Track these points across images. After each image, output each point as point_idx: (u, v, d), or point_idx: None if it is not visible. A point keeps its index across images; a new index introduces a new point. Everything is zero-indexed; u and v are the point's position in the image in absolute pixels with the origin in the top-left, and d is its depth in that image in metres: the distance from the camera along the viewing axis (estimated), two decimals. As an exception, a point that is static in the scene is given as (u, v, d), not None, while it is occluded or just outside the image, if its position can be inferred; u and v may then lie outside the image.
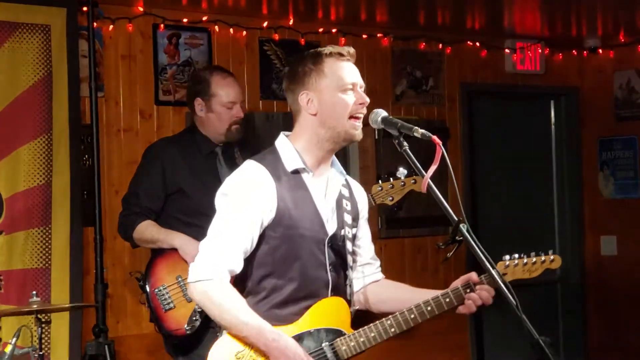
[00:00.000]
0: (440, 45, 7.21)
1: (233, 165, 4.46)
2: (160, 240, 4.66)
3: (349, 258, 3.36)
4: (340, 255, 3.32)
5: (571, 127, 8.05)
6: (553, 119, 8.13)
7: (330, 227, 3.29)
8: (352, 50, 3.31)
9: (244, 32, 6.30)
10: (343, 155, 6.40)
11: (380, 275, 3.53)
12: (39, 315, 4.35)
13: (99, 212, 5.55)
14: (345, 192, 3.38)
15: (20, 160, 5.39)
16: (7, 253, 5.31)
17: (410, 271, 6.93)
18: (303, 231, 3.23)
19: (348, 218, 3.35)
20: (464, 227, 3.02)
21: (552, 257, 3.53)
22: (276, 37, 6.44)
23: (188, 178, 4.72)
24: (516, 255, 3.45)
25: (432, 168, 3.01)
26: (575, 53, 7.92)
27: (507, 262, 3.39)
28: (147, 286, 4.64)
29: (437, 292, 3.27)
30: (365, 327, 3.24)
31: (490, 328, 7.43)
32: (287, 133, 3.33)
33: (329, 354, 3.22)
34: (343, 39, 6.64)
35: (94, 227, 5.48)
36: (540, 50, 7.61)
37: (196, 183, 4.67)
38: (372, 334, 3.21)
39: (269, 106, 6.46)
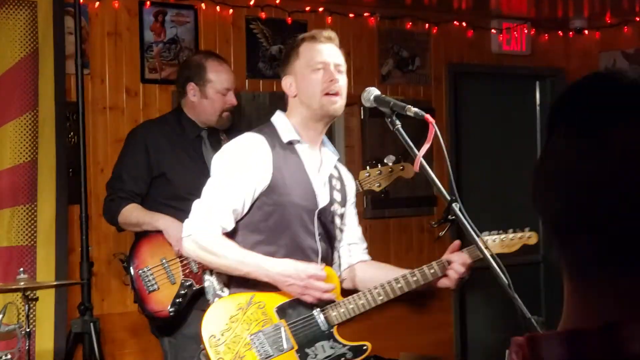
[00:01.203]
0: (427, 25, 7.23)
1: (218, 148, 4.49)
2: (145, 223, 4.66)
3: (337, 232, 3.50)
4: (328, 228, 3.45)
5: (556, 108, 8.09)
6: (538, 100, 8.17)
7: (322, 200, 3.44)
8: (328, 33, 3.48)
9: (231, 10, 6.31)
10: (329, 135, 6.42)
11: (367, 257, 3.66)
12: (26, 293, 4.37)
13: (85, 190, 5.54)
14: (336, 173, 3.54)
15: (6, 137, 5.39)
16: (-9, 231, 5.32)
17: (395, 251, 6.97)
18: (295, 199, 3.37)
19: (337, 196, 3.50)
20: (456, 206, 3.06)
21: (529, 233, 3.65)
22: (263, 15, 6.45)
23: (173, 161, 4.71)
24: (495, 232, 3.55)
25: (425, 147, 3.06)
26: (561, 34, 7.95)
27: (487, 238, 3.45)
28: (131, 268, 4.65)
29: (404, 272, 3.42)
30: (355, 295, 3.36)
31: (473, 309, 7.51)
32: (279, 113, 3.52)
33: (320, 319, 3.35)
34: (329, 18, 6.66)
35: (80, 205, 5.49)
36: (526, 31, 7.64)
37: (181, 167, 4.67)
38: (361, 302, 3.34)
39: (255, 85, 6.47)
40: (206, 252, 3.29)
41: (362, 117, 6.76)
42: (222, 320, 3.33)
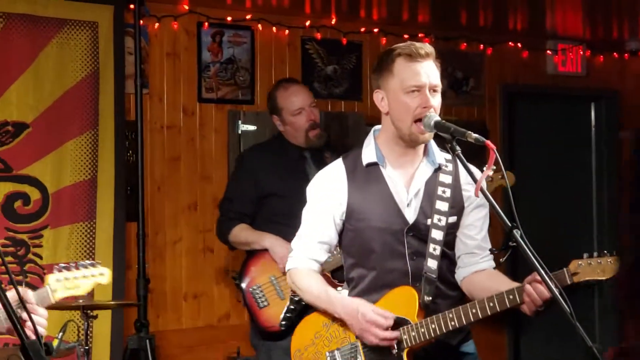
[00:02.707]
0: (482, 46, 7.22)
1: (322, 166, 4.57)
2: (253, 242, 4.86)
3: (431, 247, 3.32)
4: (424, 244, 3.32)
5: (611, 129, 8.03)
6: (593, 121, 8.09)
7: (411, 216, 3.32)
8: (425, 49, 3.28)
9: (287, 31, 6.36)
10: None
11: (484, 265, 3.41)
12: (86, 310, 4.46)
13: (142, 207, 5.63)
14: (446, 179, 3.36)
15: (67, 155, 5.47)
16: (52, 247, 5.40)
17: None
18: (376, 223, 3.32)
19: (443, 206, 3.33)
20: (517, 233, 3.01)
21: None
22: (318, 36, 6.49)
23: (279, 182, 4.85)
24: (595, 254, 3.18)
25: (486, 173, 3.00)
26: (617, 56, 7.90)
27: (581, 261, 3.17)
28: (242, 285, 4.82)
29: (512, 286, 3.17)
30: (429, 318, 3.24)
31: (527, 331, 7.47)
32: (377, 127, 3.42)
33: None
34: (384, 39, 6.68)
35: (137, 222, 5.57)
36: (581, 52, 7.61)
37: (287, 187, 4.80)
38: (433, 326, 3.22)
39: (311, 105, 6.51)
40: (297, 288, 3.48)
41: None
42: (308, 335, 3.44)
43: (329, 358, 3.36)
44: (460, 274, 3.42)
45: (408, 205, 3.32)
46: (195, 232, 5.99)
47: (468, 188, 3.36)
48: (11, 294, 2.23)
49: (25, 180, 5.36)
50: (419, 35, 6.82)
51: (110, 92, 5.60)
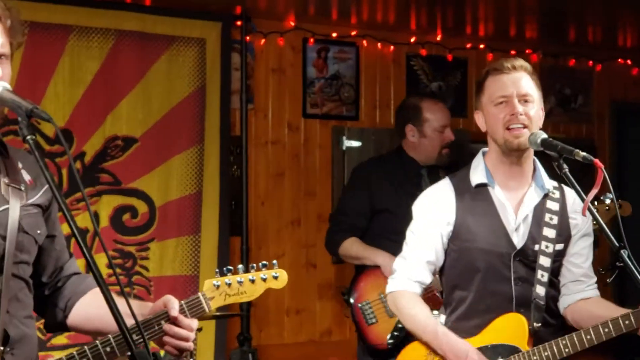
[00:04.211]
0: (591, 62, 7.11)
1: None
2: (364, 258, 4.81)
3: (539, 274, 3.29)
4: (530, 270, 3.29)
5: None
6: None
7: (519, 241, 3.29)
8: (513, 62, 3.30)
9: (392, 47, 6.36)
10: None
11: (590, 294, 3.38)
12: (191, 323, 4.50)
13: (246, 222, 5.71)
14: (554, 206, 3.34)
15: (174, 169, 5.55)
16: (158, 260, 5.49)
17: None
18: (482, 244, 3.29)
19: (550, 232, 3.31)
20: (624, 253, 2.96)
21: None
22: (423, 52, 6.48)
23: (394, 198, 4.80)
24: None
25: (593, 192, 2.94)
26: None
27: None
28: (351, 300, 4.79)
29: (622, 312, 3.13)
30: (541, 345, 3.20)
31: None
32: (485, 149, 3.41)
33: None
34: (490, 54, 6.63)
35: (241, 237, 5.65)
36: (694, 69, 7.45)
37: (402, 203, 4.72)
38: (546, 353, 3.17)
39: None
40: (400, 313, 3.42)
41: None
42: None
43: None
44: (564, 302, 3.38)
45: (516, 229, 3.29)
46: (299, 248, 6.02)
47: (575, 216, 3.33)
48: (122, 303, 2.23)
49: (133, 194, 5.45)
50: (527, 51, 6.77)
51: (216, 108, 5.68)
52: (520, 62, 3.31)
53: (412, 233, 3.43)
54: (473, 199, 3.33)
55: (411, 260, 3.39)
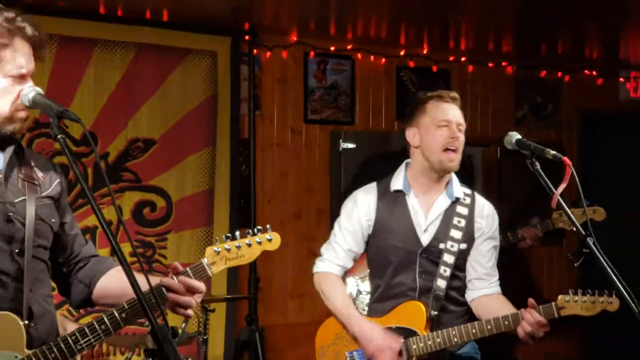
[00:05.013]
0: (560, 73, 7.04)
1: None
2: None
3: (441, 269, 3.38)
4: (434, 265, 3.38)
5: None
6: (665, 144, 7.83)
7: (426, 240, 3.38)
8: (454, 94, 3.43)
9: (383, 60, 6.29)
10: (466, 174, 6.35)
11: (492, 291, 3.47)
12: (204, 304, 4.44)
13: (254, 217, 5.66)
14: (463, 211, 3.42)
15: (188, 168, 5.51)
16: (175, 249, 5.45)
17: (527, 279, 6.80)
18: (395, 242, 3.40)
19: (456, 234, 3.40)
20: (590, 241, 2.96)
21: (611, 299, 3.23)
22: (411, 64, 6.40)
23: None
24: (579, 291, 3.23)
25: (562, 186, 2.96)
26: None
27: (568, 298, 3.20)
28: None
29: (508, 313, 3.25)
30: (435, 332, 3.30)
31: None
32: (409, 160, 3.50)
33: (404, 349, 3.32)
34: (471, 66, 6.58)
35: (249, 228, 5.56)
36: (653, 80, 7.39)
37: None
38: (438, 340, 3.29)
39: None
40: (321, 292, 3.50)
41: (498, 157, 6.64)
42: (330, 336, 3.46)
43: (348, 357, 3.41)
44: (470, 296, 3.47)
45: (425, 230, 3.39)
46: (300, 238, 5.94)
47: (480, 220, 3.44)
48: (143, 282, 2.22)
49: (152, 190, 5.42)
50: (503, 63, 6.75)
51: (227, 113, 5.63)
52: (456, 94, 3.44)
53: (339, 225, 3.50)
54: (392, 202, 3.43)
55: (336, 248, 3.48)
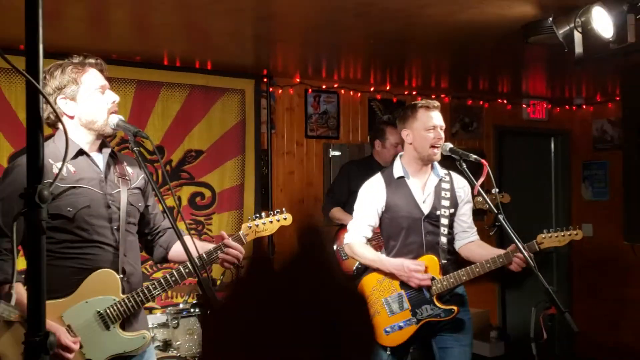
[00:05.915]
0: (481, 102, 7.12)
1: None
2: (343, 220, 4.82)
3: (442, 229, 3.28)
4: (435, 226, 3.29)
5: (565, 155, 7.83)
6: (552, 150, 7.90)
7: (426, 209, 3.29)
8: (436, 103, 3.34)
9: (359, 94, 6.35)
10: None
11: (473, 238, 3.38)
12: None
13: (271, 202, 5.69)
14: (446, 186, 3.33)
15: (227, 169, 5.54)
16: (217, 225, 5.48)
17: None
18: (403, 213, 3.31)
19: (445, 202, 3.30)
20: (501, 217, 3.00)
21: (576, 231, 3.18)
22: (379, 96, 6.46)
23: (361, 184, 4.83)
24: (551, 229, 3.18)
25: (481, 179, 3.02)
26: (568, 108, 7.72)
27: (544, 235, 3.16)
28: (334, 247, 4.75)
29: (498, 253, 3.16)
30: (447, 275, 3.20)
31: (510, 290, 7.30)
32: (401, 153, 3.41)
33: (425, 290, 3.23)
34: (419, 98, 6.59)
35: (267, 210, 5.58)
36: (545, 106, 7.45)
37: None
38: (452, 280, 3.19)
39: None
40: (354, 254, 3.38)
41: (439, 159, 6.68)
42: (369, 287, 3.35)
43: (384, 302, 3.29)
44: (458, 244, 3.39)
45: (424, 202, 3.30)
46: (303, 217, 5.92)
47: (459, 191, 3.36)
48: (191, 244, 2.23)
49: (201, 185, 5.43)
50: (441, 95, 6.78)
51: (252, 132, 5.66)
52: (437, 103, 3.36)
53: (360, 206, 3.40)
54: (396, 186, 3.34)
55: (359, 223, 3.38)
